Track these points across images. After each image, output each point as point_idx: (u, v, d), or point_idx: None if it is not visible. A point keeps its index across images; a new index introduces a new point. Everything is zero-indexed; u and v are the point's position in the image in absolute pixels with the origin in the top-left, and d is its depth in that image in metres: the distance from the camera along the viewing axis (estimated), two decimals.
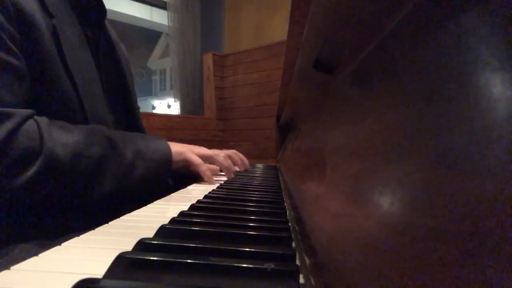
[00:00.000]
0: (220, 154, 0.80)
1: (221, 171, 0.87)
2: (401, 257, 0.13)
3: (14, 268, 0.24)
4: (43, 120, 0.52)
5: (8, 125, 0.48)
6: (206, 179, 0.74)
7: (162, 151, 0.67)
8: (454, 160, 0.12)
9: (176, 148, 0.70)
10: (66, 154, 0.51)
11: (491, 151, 0.10)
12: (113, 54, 0.77)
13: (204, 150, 0.77)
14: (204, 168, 0.73)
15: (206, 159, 0.77)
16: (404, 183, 0.15)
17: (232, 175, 0.84)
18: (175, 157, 0.69)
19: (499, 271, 0.09)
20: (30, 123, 0.51)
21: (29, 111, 0.52)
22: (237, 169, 0.91)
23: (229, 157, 0.86)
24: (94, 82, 0.66)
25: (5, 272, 0.23)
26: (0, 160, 0.47)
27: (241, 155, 0.93)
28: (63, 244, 0.29)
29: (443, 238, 0.11)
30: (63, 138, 0.52)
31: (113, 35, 0.80)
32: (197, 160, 0.72)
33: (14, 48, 0.52)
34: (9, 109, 0.49)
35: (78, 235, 0.32)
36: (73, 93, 0.59)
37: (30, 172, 0.48)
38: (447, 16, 0.15)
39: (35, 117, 0.52)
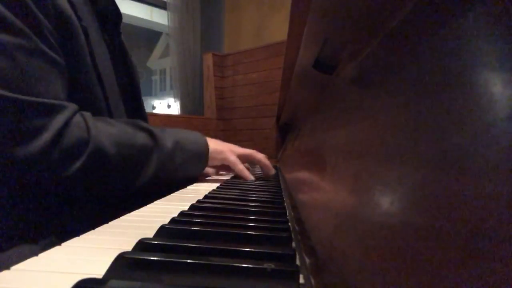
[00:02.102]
0: (258, 153, 0.83)
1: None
2: (401, 257, 0.13)
3: (14, 268, 0.24)
4: (88, 114, 0.55)
5: (63, 116, 0.51)
6: (245, 177, 0.77)
7: (200, 143, 0.69)
8: (454, 160, 0.12)
9: (216, 146, 0.72)
10: (111, 143, 0.54)
11: (491, 151, 0.10)
12: (126, 58, 0.80)
13: (242, 149, 0.80)
14: (241, 167, 0.76)
15: (245, 157, 0.80)
16: (404, 183, 0.15)
17: (273, 171, 0.86)
18: (214, 155, 0.71)
19: (499, 271, 0.09)
20: (78, 116, 0.54)
21: (76, 106, 0.54)
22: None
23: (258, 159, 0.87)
24: (114, 84, 0.68)
25: (5, 272, 0.23)
26: (55, 151, 0.49)
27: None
28: (63, 244, 0.29)
29: (443, 238, 0.11)
30: (107, 129, 0.55)
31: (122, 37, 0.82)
32: (235, 160, 0.75)
33: (55, 44, 0.54)
34: (63, 102, 0.52)
35: (78, 235, 0.32)
36: (101, 95, 0.62)
37: (80, 161, 0.51)
38: (447, 16, 0.15)
39: (81, 111, 0.55)
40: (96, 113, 0.60)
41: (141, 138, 0.59)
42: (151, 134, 0.61)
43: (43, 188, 0.52)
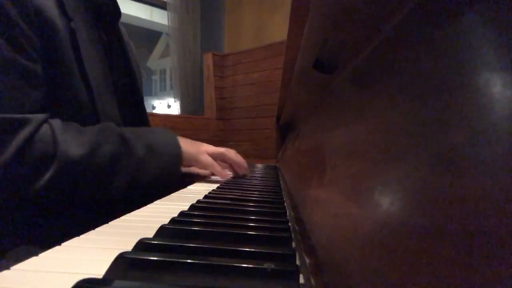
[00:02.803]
0: (231, 150, 0.81)
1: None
2: (401, 257, 0.13)
3: (14, 268, 0.24)
4: (57, 123, 0.53)
5: (25, 132, 0.49)
6: (221, 177, 0.75)
7: (172, 144, 0.67)
8: (454, 160, 0.12)
9: (187, 147, 0.70)
10: (80, 155, 0.53)
11: (490, 151, 0.10)
12: (125, 55, 0.78)
13: (213, 148, 0.77)
14: (218, 168, 0.75)
15: (217, 156, 0.78)
16: (404, 183, 0.15)
17: (245, 171, 0.84)
18: (186, 156, 0.69)
19: (499, 271, 0.09)
20: (45, 128, 0.52)
21: (43, 116, 0.53)
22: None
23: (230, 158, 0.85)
24: (107, 84, 0.67)
25: (5, 272, 0.23)
26: (19, 167, 0.48)
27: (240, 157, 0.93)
28: (63, 244, 0.29)
29: (443, 238, 0.11)
30: (76, 139, 0.53)
31: (125, 35, 0.81)
32: (207, 160, 0.73)
33: (32, 52, 0.53)
34: (26, 115, 0.50)
35: (78, 235, 0.32)
36: (87, 96, 0.60)
37: (47, 175, 0.50)
38: (447, 16, 0.15)
39: (49, 120, 0.53)
40: (81, 114, 0.59)
41: (112, 146, 0.57)
42: (122, 140, 0.59)
43: (13, 201, 0.51)
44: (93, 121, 0.61)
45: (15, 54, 0.50)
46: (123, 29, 0.81)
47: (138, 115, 0.83)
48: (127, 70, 0.79)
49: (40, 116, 0.52)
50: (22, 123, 0.49)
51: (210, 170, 0.74)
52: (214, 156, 0.75)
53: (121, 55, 0.77)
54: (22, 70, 0.51)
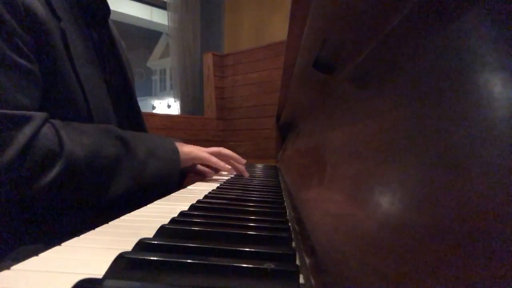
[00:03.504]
0: (225, 149, 0.83)
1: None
2: (401, 257, 0.13)
3: (14, 268, 0.24)
4: (58, 123, 0.53)
5: (30, 128, 0.49)
6: (220, 167, 0.78)
7: (171, 149, 0.69)
8: (454, 160, 0.12)
9: (183, 148, 0.72)
10: (85, 155, 0.53)
11: (490, 151, 0.10)
12: (116, 54, 0.78)
13: (208, 148, 0.80)
14: (215, 159, 0.77)
15: (213, 154, 0.80)
16: (404, 183, 0.15)
17: (243, 169, 0.86)
18: (183, 156, 0.71)
19: (499, 271, 0.09)
20: (47, 126, 0.52)
21: (45, 114, 0.52)
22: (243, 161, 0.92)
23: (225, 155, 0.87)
24: (99, 85, 0.66)
25: (5, 272, 0.23)
26: (24, 163, 0.48)
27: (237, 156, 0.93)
28: (63, 244, 0.29)
29: (443, 238, 0.11)
30: (79, 139, 0.53)
31: (115, 33, 0.80)
32: (206, 155, 0.76)
33: (28, 52, 0.52)
34: (29, 112, 0.50)
35: (78, 235, 0.32)
36: (81, 96, 0.60)
37: (53, 173, 0.49)
38: (447, 16, 0.15)
39: (50, 119, 0.53)
40: (75, 114, 0.59)
41: (114, 148, 0.58)
42: (123, 142, 0.60)
43: (16, 199, 0.51)
44: (87, 120, 0.61)
45: (12, 53, 0.50)
46: (113, 27, 0.80)
47: (132, 114, 0.82)
48: (119, 68, 0.78)
49: (43, 114, 0.52)
50: (26, 119, 0.49)
51: (207, 163, 0.76)
52: (210, 153, 0.78)
53: (112, 53, 0.77)
54: (21, 69, 0.51)
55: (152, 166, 0.63)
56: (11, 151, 0.46)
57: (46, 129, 0.51)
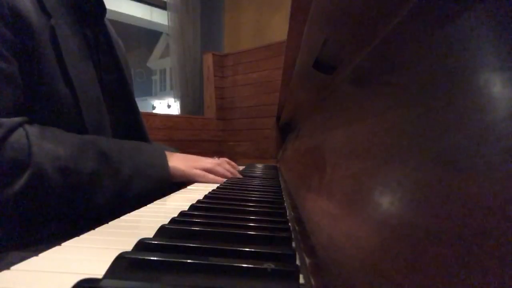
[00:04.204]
0: (217, 165, 0.79)
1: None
2: (401, 257, 0.13)
3: (14, 268, 0.24)
4: (33, 130, 0.50)
5: None
6: (216, 182, 0.74)
7: (160, 166, 0.65)
8: (454, 160, 0.12)
9: (175, 164, 0.68)
10: (54, 169, 0.49)
11: (491, 151, 0.10)
12: (113, 53, 0.76)
13: (203, 164, 0.76)
14: (211, 177, 0.74)
15: (215, 165, 0.78)
16: (404, 183, 0.15)
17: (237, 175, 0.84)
18: (174, 172, 0.68)
19: (499, 271, 0.09)
20: (19, 133, 0.49)
21: (18, 120, 0.50)
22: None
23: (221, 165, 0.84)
24: (93, 84, 0.64)
25: (5, 272, 0.23)
26: None
27: (232, 163, 0.91)
28: (63, 244, 0.29)
29: (443, 238, 0.11)
30: (53, 151, 0.50)
31: (112, 32, 0.79)
32: (198, 173, 0.72)
33: (4, 51, 0.50)
34: None
35: (78, 235, 0.32)
36: (70, 97, 0.58)
37: (18, 185, 0.47)
38: (447, 16, 0.15)
39: (26, 125, 0.50)
40: (64, 117, 0.57)
41: (93, 162, 0.54)
42: (106, 158, 0.56)
43: None
44: (79, 126, 0.59)
45: None
46: (110, 27, 0.78)
47: (130, 114, 0.80)
48: (115, 68, 0.76)
49: (14, 121, 0.49)
50: None
51: (202, 181, 0.73)
52: (205, 169, 0.75)
53: (108, 52, 0.75)
54: None
55: (137, 186, 0.60)
56: None
57: (16, 137, 0.48)
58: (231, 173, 0.82)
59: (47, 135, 0.52)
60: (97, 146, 0.57)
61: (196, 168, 0.73)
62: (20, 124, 0.50)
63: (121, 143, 0.63)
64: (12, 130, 0.48)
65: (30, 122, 0.52)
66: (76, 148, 0.54)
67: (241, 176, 0.84)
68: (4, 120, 0.48)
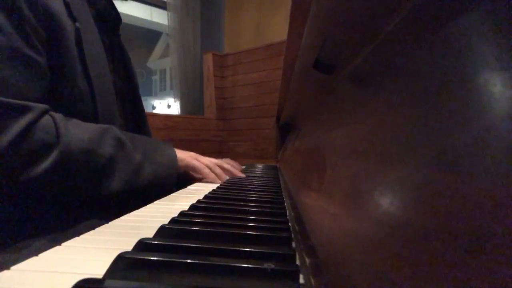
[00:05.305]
0: (216, 165, 0.81)
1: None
2: (401, 257, 0.13)
3: (14, 268, 0.24)
4: (59, 116, 0.54)
5: (27, 118, 0.49)
6: (210, 180, 0.77)
7: (169, 155, 0.70)
8: (454, 160, 0.12)
9: (179, 154, 0.73)
10: (81, 150, 0.54)
11: (490, 151, 0.10)
12: (125, 60, 0.81)
13: (206, 161, 0.79)
14: (207, 171, 0.76)
15: (207, 165, 0.79)
16: (404, 183, 0.15)
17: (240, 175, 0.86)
18: (181, 164, 0.72)
19: (499, 271, 0.09)
20: (47, 118, 0.53)
21: (46, 106, 0.53)
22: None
23: (223, 168, 0.84)
24: (109, 86, 0.68)
25: (5, 272, 0.23)
26: (17, 152, 0.48)
27: (232, 163, 0.92)
28: (63, 244, 0.29)
29: (443, 238, 0.11)
30: (77, 134, 0.54)
31: (123, 41, 0.83)
32: (199, 165, 0.75)
33: (38, 44, 0.54)
34: (28, 103, 0.51)
35: (78, 235, 0.32)
36: (89, 94, 0.62)
37: (45, 164, 0.50)
38: (447, 16, 0.15)
39: (51, 112, 0.54)
40: (81, 111, 0.60)
41: (110, 148, 0.58)
42: (121, 144, 0.60)
43: (7, 189, 0.51)
44: (93, 118, 0.62)
45: (20, 42, 0.51)
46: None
47: (139, 123, 0.85)
48: (127, 75, 0.81)
49: (42, 106, 0.52)
50: (25, 109, 0.50)
51: (198, 172, 0.76)
52: (205, 165, 0.77)
53: (121, 60, 0.80)
54: (27, 59, 0.52)
55: (148, 170, 0.63)
56: (4, 140, 0.47)
57: (45, 121, 0.52)
58: (232, 172, 0.83)
59: (70, 121, 0.56)
60: (114, 132, 0.61)
61: (198, 161, 0.77)
62: (47, 110, 0.54)
63: (132, 134, 0.68)
64: (42, 114, 0.52)
65: (53, 111, 0.56)
66: (97, 133, 0.58)
67: (243, 175, 0.85)
68: (35, 104, 0.52)
